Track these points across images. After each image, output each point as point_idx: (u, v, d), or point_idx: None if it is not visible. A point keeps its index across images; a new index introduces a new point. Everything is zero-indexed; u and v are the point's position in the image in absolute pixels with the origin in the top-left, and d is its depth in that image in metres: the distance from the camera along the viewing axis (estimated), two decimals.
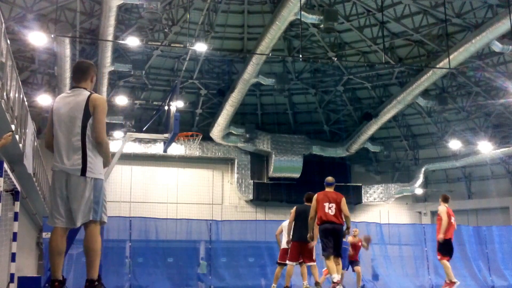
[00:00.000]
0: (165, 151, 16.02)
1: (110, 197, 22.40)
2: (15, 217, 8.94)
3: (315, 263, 10.18)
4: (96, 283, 4.62)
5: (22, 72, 21.30)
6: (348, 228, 9.19)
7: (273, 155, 27.10)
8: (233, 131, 25.89)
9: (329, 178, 9.41)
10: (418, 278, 16.74)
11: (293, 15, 17.94)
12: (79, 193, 4.60)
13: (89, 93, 4.79)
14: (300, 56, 23.46)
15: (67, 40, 17.84)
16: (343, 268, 11.84)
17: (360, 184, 28.69)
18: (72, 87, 4.94)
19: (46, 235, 13.72)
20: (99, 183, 4.71)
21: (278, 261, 10.85)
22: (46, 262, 13.24)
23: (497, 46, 18.97)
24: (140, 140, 25.06)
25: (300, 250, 9.82)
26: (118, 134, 23.67)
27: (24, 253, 16.08)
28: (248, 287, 16.09)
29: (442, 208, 10.52)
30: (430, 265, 17.08)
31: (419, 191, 28.59)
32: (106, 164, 4.83)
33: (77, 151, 4.63)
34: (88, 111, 4.69)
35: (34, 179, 13.95)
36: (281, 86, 23.25)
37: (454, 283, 10.21)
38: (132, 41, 20.78)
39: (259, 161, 28.13)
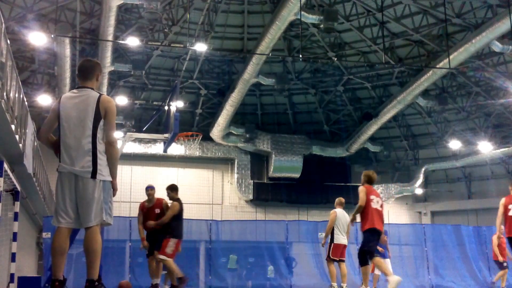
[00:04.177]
0: (165, 151, 16.04)
1: None
2: (15, 217, 8.95)
3: None
4: (96, 283, 4.62)
5: (22, 72, 21.29)
6: None
7: (273, 155, 27.09)
8: (233, 131, 25.89)
9: None
10: (418, 278, 16.72)
11: (293, 15, 17.94)
12: (89, 195, 4.60)
13: (98, 94, 4.75)
14: (300, 56, 23.48)
15: (67, 40, 17.84)
16: None
17: (360, 184, 28.66)
18: (78, 86, 4.87)
19: (46, 235, 13.71)
20: (107, 185, 4.75)
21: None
22: (46, 262, 13.23)
23: (497, 46, 18.96)
24: (140, 140, 25.06)
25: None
26: (118, 134, 23.67)
27: (24, 253, 16.09)
28: (248, 287, 16.10)
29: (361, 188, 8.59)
30: (430, 265, 17.06)
31: (419, 191, 28.60)
32: (114, 166, 4.81)
33: (87, 154, 4.62)
34: (99, 114, 4.67)
35: (34, 179, 13.95)
36: (281, 86, 23.25)
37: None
38: (132, 41, 20.77)
39: (259, 161, 28.13)
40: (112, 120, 4.74)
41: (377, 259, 8.30)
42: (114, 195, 4.87)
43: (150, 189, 10.39)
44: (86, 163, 4.61)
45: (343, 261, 10.49)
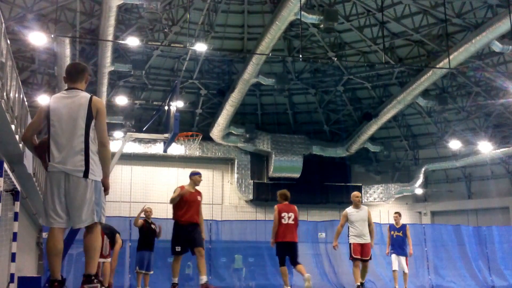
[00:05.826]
0: (165, 151, 16.02)
1: (110, 197, 22.40)
2: (15, 217, 8.94)
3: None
4: (93, 278, 4.69)
5: (22, 72, 21.29)
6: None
7: (273, 155, 27.10)
8: (233, 131, 25.88)
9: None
10: (418, 278, 16.73)
11: (293, 15, 17.93)
12: (81, 195, 4.59)
13: (89, 95, 4.80)
14: (300, 56, 23.46)
15: (67, 40, 17.84)
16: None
17: (360, 184, 28.69)
18: (68, 88, 4.90)
19: (46, 235, 13.69)
20: (98, 185, 4.73)
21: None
22: (46, 262, 13.25)
23: (497, 46, 18.96)
24: (140, 140, 25.06)
25: None
26: (118, 134, 23.67)
27: (24, 253, 16.08)
28: (248, 287, 16.10)
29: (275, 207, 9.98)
30: (430, 265, 17.08)
31: (419, 191, 28.59)
32: (107, 166, 4.81)
33: (79, 153, 4.62)
34: (91, 113, 4.70)
35: (34, 179, 13.95)
36: (281, 86, 23.25)
37: None
38: (132, 41, 20.77)
39: (259, 161, 28.13)
40: (103, 120, 4.78)
41: (282, 268, 9.65)
42: (106, 193, 4.86)
43: (199, 176, 9.64)
44: (79, 162, 4.61)
45: (365, 260, 10.37)
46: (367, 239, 10.39)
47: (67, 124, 4.67)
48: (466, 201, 28.56)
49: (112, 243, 11.02)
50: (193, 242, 8.91)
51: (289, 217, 9.88)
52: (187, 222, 9.01)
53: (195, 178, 9.53)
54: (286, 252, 9.70)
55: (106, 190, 4.83)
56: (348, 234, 10.63)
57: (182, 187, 9.34)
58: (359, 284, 10.25)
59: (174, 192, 9.29)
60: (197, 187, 9.50)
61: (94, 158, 4.69)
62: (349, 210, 10.67)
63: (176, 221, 9.15)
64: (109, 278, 10.62)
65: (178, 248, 8.97)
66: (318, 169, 27.98)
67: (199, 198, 9.35)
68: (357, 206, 10.65)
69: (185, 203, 9.10)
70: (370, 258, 10.50)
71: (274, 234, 9.82)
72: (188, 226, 9.00)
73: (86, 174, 4.61)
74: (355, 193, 10.96)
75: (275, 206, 10.06)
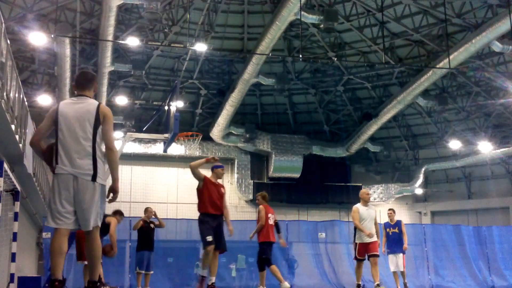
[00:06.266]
0: (165, 151, 16.04)
1: None
2: (15, 217, 8.94)
3: None
4: (98, 283, 4.90)
5: (22, 72, 21.29)
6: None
7: (273, 155, 27.10)
8: (233, 131, 25.89)
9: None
10: (418, 278, 16.70)
11: (293, 15, 17.94)
12: (89, 197, 4.71)
13: (97, 102, 4.96)
14: (300, 56, 23.46)
15: (67, 40, 17.85)
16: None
17: (360, 184, 28.63)
18: (77, 94, 5.05)
19: (46, 235, 13.71)
20: (103, 189, 4.86)
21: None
22: (46, 262, 13.24)
23: (497, 46, 18.96)
24: (140, 140, 25.05)
25: None
26: (118, 134, 23.65)
27: (24, 253, 16.10)
28: (248, 287, 16.08)
29: (261, 208, 10.41)
30: (430, 265, 17.06)
31: (419, 191, 28.59)
32: (115, 169, 4.94)
33: (87, 157, 4.74)
34: (98, 119, 4.84)
35: (34, 179, 13.96)
36: (281, 86, 23.26)
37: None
38: (132, 41, 20.77)
39: (259, 161, 28.13)
40: (110, 126, 4.93)
41: (272, 267, 10.03)
42: (115, 197, 4.94)
43: (222, 169, 9.26)
44: (87, 165, 4.73)
45: (373, 255, 10.13)
46: (374, 238, 10.17)
47: (75, 129, 4.79)
48: (466, 201, 28.56)
49: (102, 232, 10.82)
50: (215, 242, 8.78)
51: (272, 218, 10.43)
52: (212, 214, 8.84)
53: (217, 171, 9.19)
54: (269, 251, 10.19)
55: (115, 194, 4.92)
56: (355, 232, 10.39)
57: (205, 177, 9.00)
58: (359, 283, 10.22)
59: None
60: (219, 180, 9.22)
61: (100, 163, 4.82)
62: (360, 207, 10.35)
63: (202, 213, 8.93)
64: (112, 250, 10.20)
65: (209, 238, 8.66)
66: (318, 169, 27.99)
67: (222, 190, 9.13)
68: (366, 204, 10.43)
69: (210, 194, 8.90)
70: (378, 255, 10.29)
71: (257, 231, 10.29)
72: (214, 218, 8.84)
73: (94, 177, 4.73)
74: (365, 190, 10.87)
75: (261, 206, 10.52)
